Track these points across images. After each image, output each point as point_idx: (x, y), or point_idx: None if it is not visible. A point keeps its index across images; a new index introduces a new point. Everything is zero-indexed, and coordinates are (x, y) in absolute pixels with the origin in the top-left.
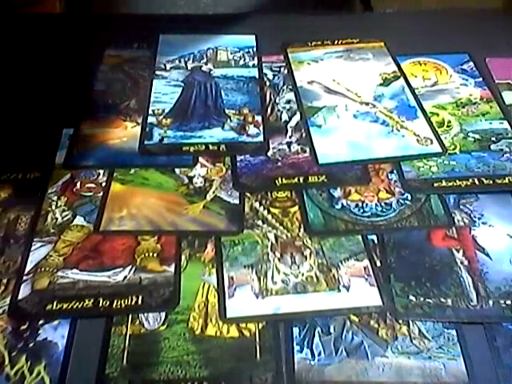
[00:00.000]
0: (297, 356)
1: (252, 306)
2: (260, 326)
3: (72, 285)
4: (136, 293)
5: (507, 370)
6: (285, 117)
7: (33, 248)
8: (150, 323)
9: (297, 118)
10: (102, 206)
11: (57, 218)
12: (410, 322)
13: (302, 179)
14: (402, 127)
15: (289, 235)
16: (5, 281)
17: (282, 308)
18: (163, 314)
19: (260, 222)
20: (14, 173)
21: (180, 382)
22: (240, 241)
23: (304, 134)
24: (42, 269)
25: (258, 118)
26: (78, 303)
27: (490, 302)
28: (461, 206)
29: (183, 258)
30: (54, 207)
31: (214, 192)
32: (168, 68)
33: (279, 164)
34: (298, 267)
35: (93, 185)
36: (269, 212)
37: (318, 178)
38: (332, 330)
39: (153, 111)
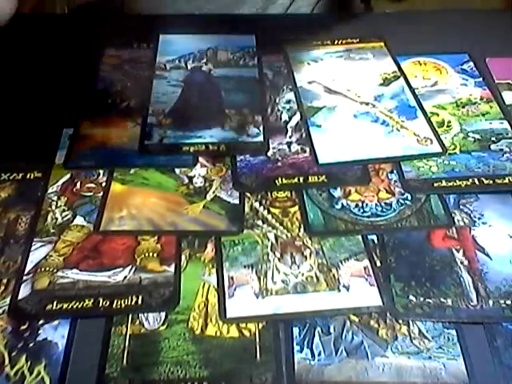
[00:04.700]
0: (297, 356)
1: (252, 306)
2: (260, 326)
3: (72, 285)
4: (136, 293)
5: (507, 370)
6: (285, 117)
7: (33, 248)
8: (150, 323)
9: (297, 117)
10: (102, 205)
11: (57, 218)
12: (410, 322)
13: (302, 179)
14: (402, 127)
15: (289, 235)
16: (5, 281)
17: (282, 308)
18: (163, 314)
19: (260, 222)
20: (14, 173)
21: (180, 381)
22: (240, 241)
23: (304, 134)
24: (42, 269)
25: (258, 118)
26: (78, 303)
27: (490, 302)
28: (461, 206)
29: (183, 258)
30: (54, 207)
31: (214, 192)
32: (168, 68)
33: (279, 164)
34: (298, 267)
35: (93, 185)
36: (269, 212)
37: (318, 178)
38: (332, 330)
39: (153, 111)
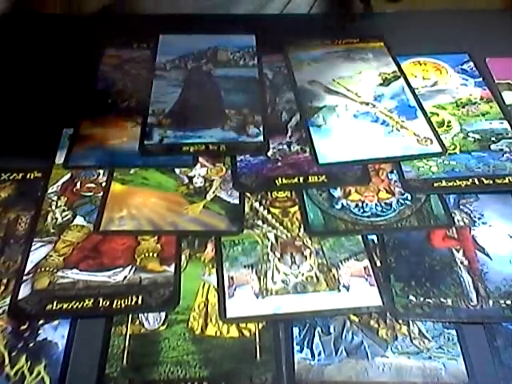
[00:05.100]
0: (297, 356)
1: (252, 306)
2: (260, 326)
3: (72, 285)
4: (136, 293)
5: (507, 370)
6: (285, 117)
7: (33, 248)
8: (150, 323)
9: (297, 118)
10: (102, 206)
11: (57, 218)
12: (410, 322)
13: (302, 179)
14: (402, 127)
15: (289, 235)
16: (5, 281)
17: (282, 308)
18: (163, 314)
19: (260, 222)
20: (14, 173)
21: (180, 381)
22: (240, 241)
23: (304, 134)
24: (42, 269)
25: (258, 118)
26: (78, 303)
27: (490, 302)
28: (461, 206)
29: (183, 258)
30: (54, 207)
31: (214, 192)
32: (168, 68)
33: (279, 164)
34: (298, 267)
35: (93, 185)
36: (269, 212)
37: (318, 178)
38: (332, 330)
39: (153, 111)
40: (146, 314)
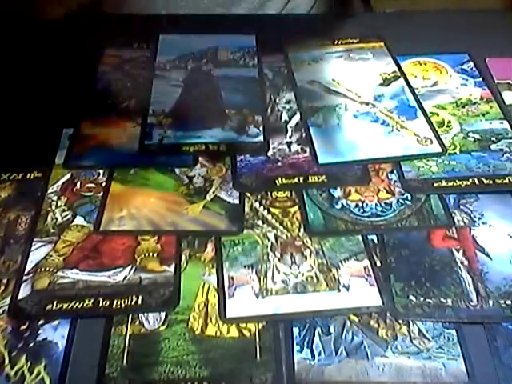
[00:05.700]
0: (297, 356)
1: (252, 306)
2: (260, 326)
3: (72, 285)
4: (136, 293)
5: (507, 370)
6: (285, 117)
7: (33, 248)
8: (150, 323)
9: (297, 118)
10: (102, 205)
11: (57, 218)
12: (410, 322)
13: (302, 179)
14: (402, 127)
15: (289, 235)
16: (5, 281)
17: (282, 308)
18: (163, 314)
19: (260, 222)
20: (14, 173)
21: (180, 382)
22: (240, 241)
23: (304, 134)
24: (42, 269)
25: (258, 118)
26: (78, 303)
27: (490, 302)
28: (461, 206)
29: (183, 258)
30: (54, 207)
31: (214, 192)
32: (168, 68)
33: (279, 164)
34: (298, 267)
35: (93, 185)
36: (269, 212)
37: (318, 178)
38: (332, 329)
39: (153, 111)
40: (145, 314)
